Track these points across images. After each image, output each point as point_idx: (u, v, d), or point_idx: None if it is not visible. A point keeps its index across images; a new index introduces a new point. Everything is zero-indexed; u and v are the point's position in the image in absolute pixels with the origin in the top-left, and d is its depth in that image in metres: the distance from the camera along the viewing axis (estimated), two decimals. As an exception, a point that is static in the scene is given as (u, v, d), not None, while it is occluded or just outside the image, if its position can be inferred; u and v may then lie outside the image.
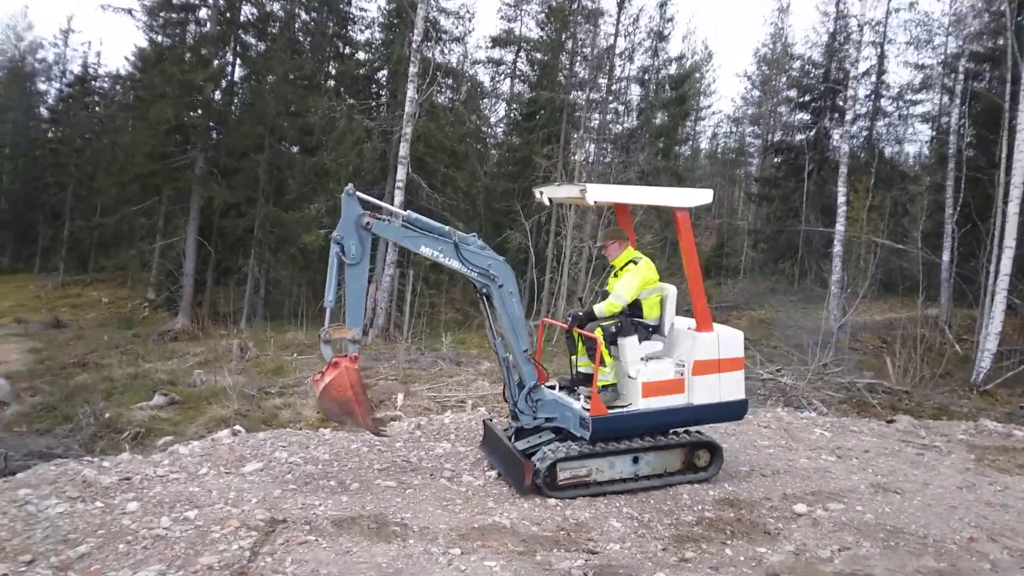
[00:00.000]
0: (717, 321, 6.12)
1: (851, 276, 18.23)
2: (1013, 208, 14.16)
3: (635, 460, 5.63)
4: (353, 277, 5.18)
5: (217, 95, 26.00)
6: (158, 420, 12.81)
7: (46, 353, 21.51)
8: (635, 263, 6.01)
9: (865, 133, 29.44)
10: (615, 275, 6.20)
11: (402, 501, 5.08)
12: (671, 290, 6.07)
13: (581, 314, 6.07)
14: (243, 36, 26.25)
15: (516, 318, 5.69)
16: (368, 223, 5.17)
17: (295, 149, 25.66)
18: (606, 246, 6.26)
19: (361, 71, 26.69)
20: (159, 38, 26.34)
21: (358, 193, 5.24)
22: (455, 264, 5.48)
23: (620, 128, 30.10)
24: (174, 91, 22.57)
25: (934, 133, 28.64)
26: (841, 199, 19.02)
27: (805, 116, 31.54)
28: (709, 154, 47.13)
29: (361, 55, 27.66)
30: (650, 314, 5.99)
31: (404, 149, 19.34)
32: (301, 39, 27.79)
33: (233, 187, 23.51)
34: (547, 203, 6.25)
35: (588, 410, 5.39)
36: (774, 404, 10.86)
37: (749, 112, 43.35)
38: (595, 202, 5.62)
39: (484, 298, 5.76)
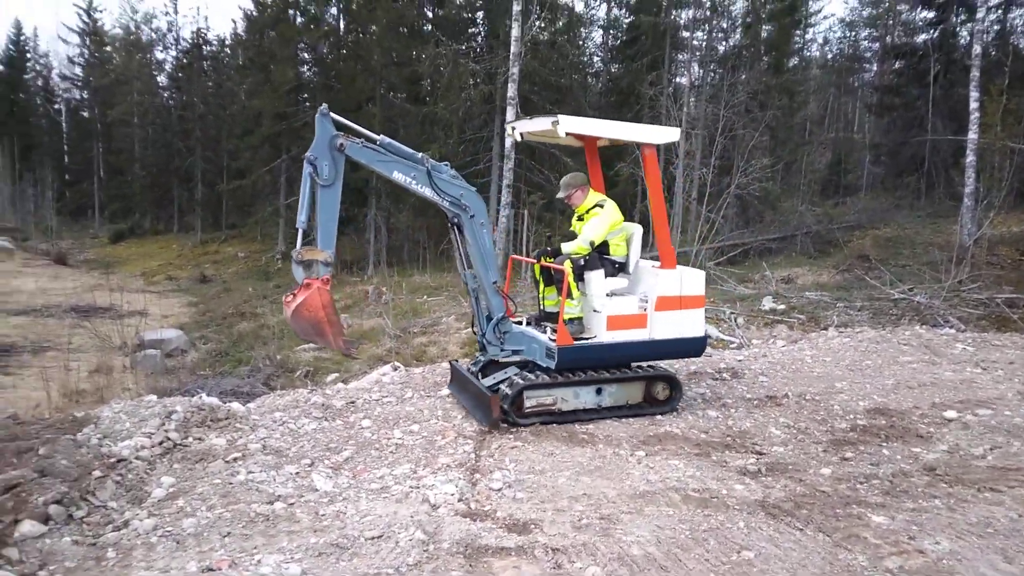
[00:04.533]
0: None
1: (985, 187, 17.27)
2: None
3: (598, 391, 5.76)
4: (326, 199, 5.11)
5: (325, 50, 27.16)
6: (321, 360, 14.38)
7: (203, 306, 24.01)
8: (601, 206, 5.96)
9: (997, 27, 26.94)
10: (580, 219, 6.12)
11: (581, 416, 5.86)
12: (637, 229, 6.16)
13: (549, 250, 6.10)
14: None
15: (486, 249, 5.65)
16: (341, 144, 5.11)
17: (403, 97, 26.56)
18: (570, 195, 6.09)
19: (464, 14, 26.96)
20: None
21: (332, 114, 5.14)
22: (427, 192, 5.41)
23: (725, 46, 28.97)
24: (291, 52, 23.81)
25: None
26: (974, 104, 17.78)
27: (929, 13, 29.13)
28: (820, 63, 44.35)
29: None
30: (617, 252, 6.05)
31: (512, 90, 19.58)
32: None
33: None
34: (519, 139, 6.14)
35: (555, 341, 5.50)
36: (909, 323, 10.91)
37: (864, 13, 40.34)
38: (567, 134, 5.48)
39: (455, 228, 5.70)
